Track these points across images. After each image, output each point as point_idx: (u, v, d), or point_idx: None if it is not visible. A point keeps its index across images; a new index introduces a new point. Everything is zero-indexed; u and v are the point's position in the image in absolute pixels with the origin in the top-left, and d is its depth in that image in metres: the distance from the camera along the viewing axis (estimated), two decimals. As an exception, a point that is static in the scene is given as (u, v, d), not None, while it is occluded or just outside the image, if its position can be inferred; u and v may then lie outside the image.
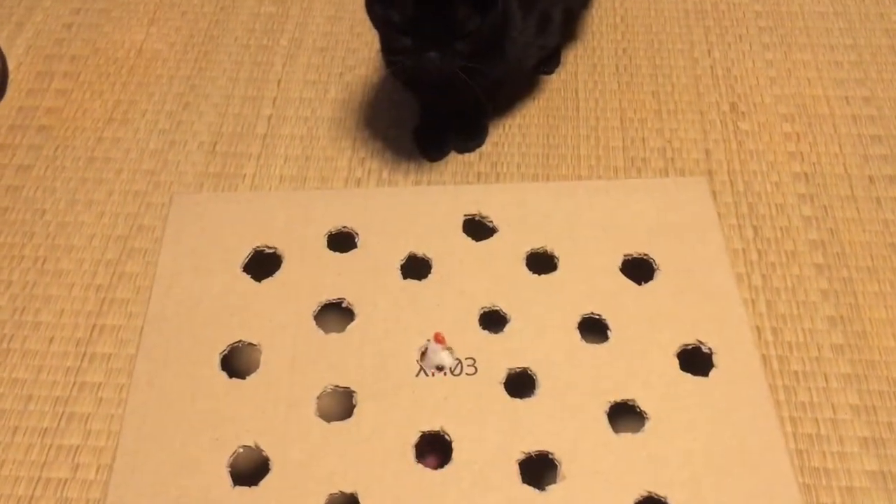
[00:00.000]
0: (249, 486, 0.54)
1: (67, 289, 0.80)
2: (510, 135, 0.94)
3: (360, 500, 0.54)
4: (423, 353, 0.59)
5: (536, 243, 0.65)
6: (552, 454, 0.55)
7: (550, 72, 0.99)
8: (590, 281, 0.63)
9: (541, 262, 0.65)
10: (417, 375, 0.59)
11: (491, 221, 0.67)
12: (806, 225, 0.85)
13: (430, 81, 0.78)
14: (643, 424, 0.56)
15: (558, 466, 0.55)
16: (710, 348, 0.59)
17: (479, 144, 0.92)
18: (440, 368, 0.59)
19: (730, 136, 0.93)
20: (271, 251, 0.66)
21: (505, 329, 0.61)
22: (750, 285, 0.80)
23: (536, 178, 0.90)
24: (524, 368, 0.59)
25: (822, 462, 0.69)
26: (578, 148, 0.93)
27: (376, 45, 0.86)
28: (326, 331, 0.61)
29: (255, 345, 0.61)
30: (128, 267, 0.81)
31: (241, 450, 0.56)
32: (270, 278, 0.64)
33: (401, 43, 0.74)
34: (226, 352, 0.61)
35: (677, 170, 0.90)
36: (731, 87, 0.97)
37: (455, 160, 0.91)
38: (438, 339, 0.59)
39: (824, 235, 0.84)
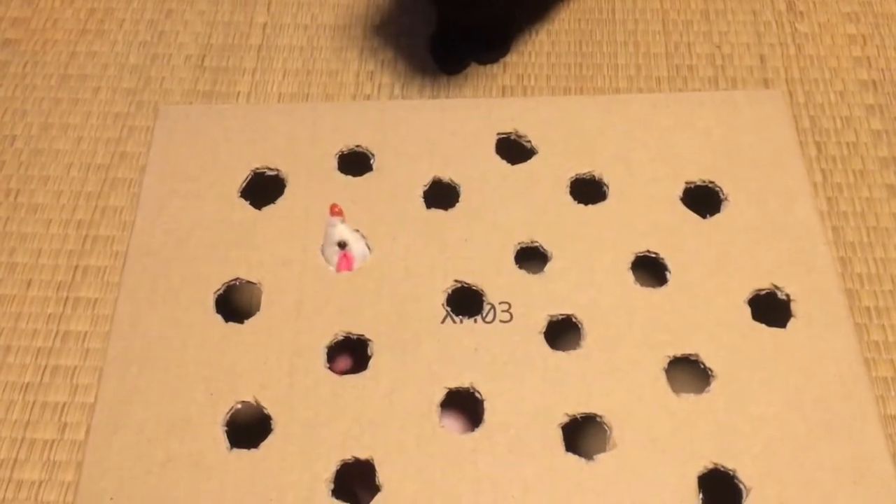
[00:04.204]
0: (248, 448, 0.47)
1: (44, 225, 0.72)
2: (538, 42, 0.84)
3: (377, 468, 0.46)
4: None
5: (582, 168, 0.56)
6: (601, 417, 0.47)
7: (588, -32, 0.87)
8: (645, 213, 0.54)
9: (587, 190, 0.56)
10: (443, 322, 0.51)
11: (529, 141, 0.58)
12: (875, 140, 0.77)
13: None
14: (708, 384, 0.48)
15: (608, 432, 0.47)
16: (787, 294, 0.51)
17: (504, 54, 0.83)
18: (342, 245, 0.51)
19: (787, 39, 0.84)
20: (273, 173, 0.57)
21: (545, 269, 0.53)
22: (816, 213, 0.72)
23: (568, 91, 0.81)
24: (568, 315, 0.51)
25: (901, 411, 0.62)
26: (616, 56, 0.83)
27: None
28: (337, 268, 0.53)
29: (254, 283, 0.53)
30: (111, 200, 0.73)
31: (239, 406, 0.49)
32: (272, 205, 0.56)
33: None
34: (221, 291, 0.53)
35: (728, 79, 0.82)
36: (786, -17, 0.87)
37: (476, 73, 0.82)
38: (334, 210, 0.52)
39: (896, 152, 0.75)
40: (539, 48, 0.84)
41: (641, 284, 0.52)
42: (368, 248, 0.53)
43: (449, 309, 0.51)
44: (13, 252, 0.71)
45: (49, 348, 0.66)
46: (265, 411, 0.48)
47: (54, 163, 0.76)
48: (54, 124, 0.78)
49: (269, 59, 0.83)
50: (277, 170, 0.57)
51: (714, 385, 0.48)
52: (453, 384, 0.49)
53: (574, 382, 0.49)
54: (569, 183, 0.56)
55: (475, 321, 0.51)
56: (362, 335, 0.50)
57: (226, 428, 0.48)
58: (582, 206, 0.55)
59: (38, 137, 0.78)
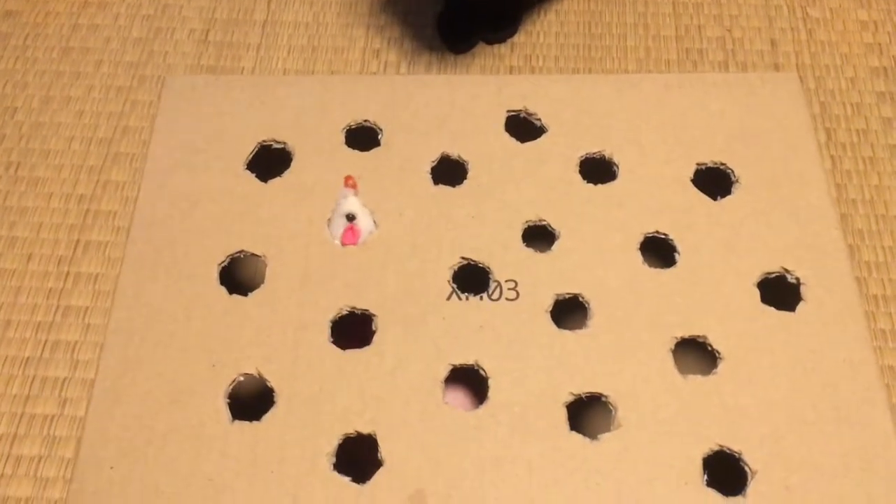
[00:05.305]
0: (250, 420, 0.47)
1: (45, 199, 0.71)
2: (546, 22, 0.83)
3: (380, 443, 0.46)
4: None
5: (593, 146, 0.55)
6: (606, 397, 0.47)
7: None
8: (655, 193, 0.53)
9: (597, 169, 0.55)
10: (449, 299, 0.50)
11: (539, 119, 0.57)
12: (886, 128, 0.76)
13: None
14: (715, 366, 0.48)
15: (613, 412, 0.46)
16: (797, 278, 0.50)
17: (512, 34, 0.82)
18: (351, 218, 0.51)
19: (798, 24, 0.83)
20: (280, 146, 0.56)
21: (553, 247, 0.52)
22: (827, 200, 0.71)
23: (577, 72, 0.80)
24: (575, 295, 0.50)
25: (907, 404, 0.61)
26: (625, 38, 0.82)
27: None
28: (343, 242, 0.52)
29: (259, 256, 0.52)
30: (113, 174, 0.72)
31: (242, 378, 0.48)
32: (278, 178, 0.55)
33: None
34: (225, 263, 0.52)
35: (739, 63, 0.80)
36: (798, -33, 0.86)
37: (483, 52, 0.81)
38: (348, 182, 0.52)
39: (909, 142, 0.74)
40: (548, 28, 0.82)
41: (650, 265, 0.51)
42: (375, 223, 0.53)
43: (455, 286, 0.51)
44: (13, 226, 0.70)
45: (49, 323, 0.65)
46: (268, 384, 0.48)
47: (55, 136, 0.75)
48: (56, 97, 0.77)
49: (273, 35, 0.82)
50: (284, 143, 0.56)
51: (721, 367, 0.48)
52: (458, 361, 0.48)
53: (580, 362, 0.48)
54: (578, 162, 0.55)
55: (481, 298, 0.50)
56: (367, 310, 0.50)
57: (228, 400, 0.47)
58: (591, 185, 0.54)
59: (40, 110, 0.76)
